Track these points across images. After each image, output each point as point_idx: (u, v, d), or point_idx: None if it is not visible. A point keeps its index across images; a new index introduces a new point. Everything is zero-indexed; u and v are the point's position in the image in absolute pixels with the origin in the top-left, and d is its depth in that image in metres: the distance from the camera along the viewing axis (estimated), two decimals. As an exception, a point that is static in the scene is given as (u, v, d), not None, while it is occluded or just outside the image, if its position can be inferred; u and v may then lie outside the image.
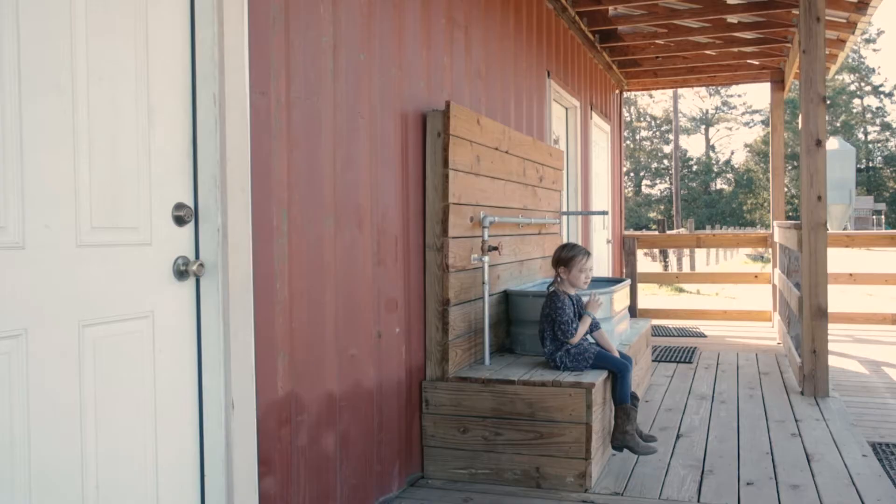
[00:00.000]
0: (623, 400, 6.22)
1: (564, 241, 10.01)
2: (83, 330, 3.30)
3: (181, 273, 3.81)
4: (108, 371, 3.42)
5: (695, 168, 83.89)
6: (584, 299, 6.65)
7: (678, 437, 7.02)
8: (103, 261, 3.42)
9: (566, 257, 6.55)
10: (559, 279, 6.57)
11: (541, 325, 6.50)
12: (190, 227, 3.90)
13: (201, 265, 3.87)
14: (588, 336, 6.48)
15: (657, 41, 13.33)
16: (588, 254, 6.61)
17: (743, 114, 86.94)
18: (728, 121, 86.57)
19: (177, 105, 3.86)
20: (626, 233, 16.07)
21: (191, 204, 3.90)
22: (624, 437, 6.14)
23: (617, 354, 6.43)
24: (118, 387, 3.47)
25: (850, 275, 14.39)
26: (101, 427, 3.39)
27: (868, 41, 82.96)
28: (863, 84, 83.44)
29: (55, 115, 3.18)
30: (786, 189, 15.86)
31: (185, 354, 3.87)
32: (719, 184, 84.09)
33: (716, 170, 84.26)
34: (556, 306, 6.39)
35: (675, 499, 5.58)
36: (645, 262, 35.06)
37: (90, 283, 3.35)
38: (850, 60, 79.59)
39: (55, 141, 3.17)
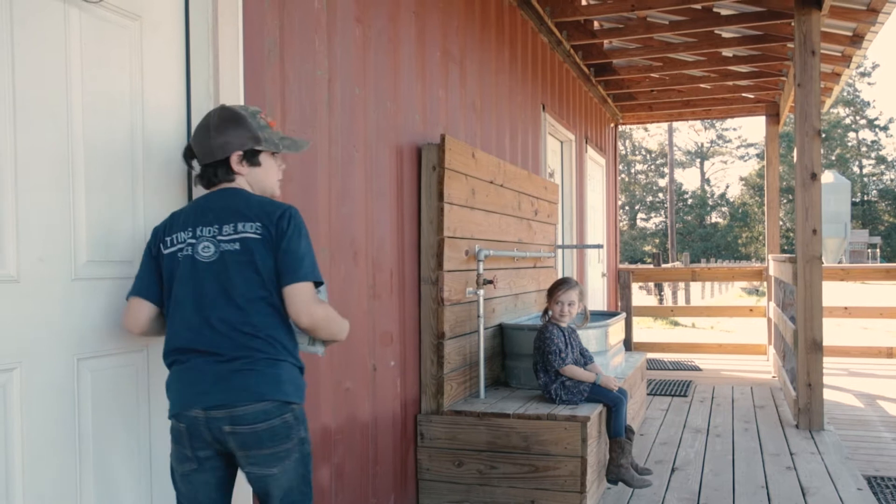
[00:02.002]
0: (618, 433, 6.21)
1: (560, 274, 10.02)
2: (79, 363, 3.30)
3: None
4: (105, 404, 3.42)
5: (690, 201, 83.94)
6: (585, 332, 6.71)
7: (673, 470, 7.01)
8: (98, 294, 3.42)
9: (550, 290, 6.64)
10: (548, 312, 6.61)
11: (534, 358, 6.50)
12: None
13: None
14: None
15: (652, 74, 13.36)
16: (570, 285, 6.63)
17: (738, 147, 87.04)
18: (723, 154, 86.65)
19: (172, 138, 3.87)
20: (622, 266, 16.09)
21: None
22: (619, 471, 6.13)
23: (615, 388, 6.42)
24: (115, 419, 3.47)
25: (846, 308, 14.38)
26: (97, 461, 3.39)
27: (863, 74, 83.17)
28: (858, 117, 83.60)
29: (50, 148, 3.19)
30: (781, 222, 15.92)
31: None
32: (714, 217, 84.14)
33: (711, 203, 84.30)
34: (543, 337, 6.42)
35: (671, 533, 5.57)
36: (640, 296, 35.03)
37: (85, 317, 3.35)
38: (845, 94, 79.80)
39: (49, 173, 3.18)
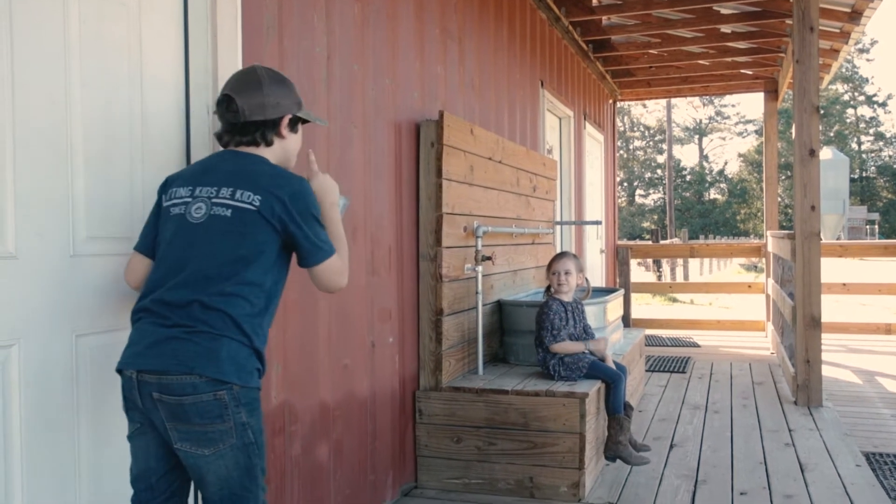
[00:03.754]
0: (616, 410, 6.21)
1: (558, 250, 10.02)
2: (77, 340, 3.30)
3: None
4: (102, 380, 3.43)
5: (688, 178, 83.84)
6: (589, 309, 6.71)
7: (672, 446, 7.02)
8: (97, 270, 3.43)
9: (549, 265, 6.68)
10: (551, 288, 6.63)
11: (536, 333, 6.50)
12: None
13: None
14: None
15: (651, 51, 13.33)
16: (563, 255, 6.69)
17: (736, 123, 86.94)
18: (721, 130, 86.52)
19: (170, 115, 3.87)
20: (620, 243, 16.09)
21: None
22: (617, 448, 6.13)
23: (612, 364, 6.42)
24: (112, 396, 3.47)
25: (844, 284, 14.40)
26: (95, 437, 3.39)
27: (861, 51, 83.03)
28: (856, 94, 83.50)
29: (49, 124, 3.18)
30: (779, 199, 16.00)
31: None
32: (713, 193, 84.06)
33: (709, 179, 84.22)
34: (541, 312, 6.46)
35: (669, 508, 5.59)
36: (638, 272, 35.04)
37: (84, 293, 3.35)
38: (843, 70, 79.65)
39: (48, 150, 3.18)
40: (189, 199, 3.25)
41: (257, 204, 3.21)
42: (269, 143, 3.45)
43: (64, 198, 3.27)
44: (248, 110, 3.38)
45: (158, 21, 3.79)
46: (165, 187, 3.36)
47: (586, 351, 6.29)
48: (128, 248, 3.51)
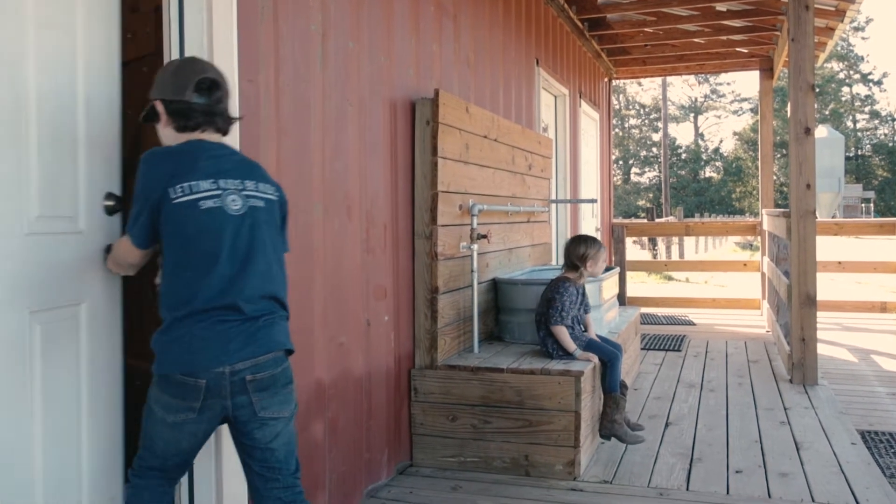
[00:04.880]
0: (612, 388, 6.22)
1: (553, 229, 10.01)
2: (31, 316, 3.32)
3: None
4: (53, 356, 3.45)
5: (684, 156, 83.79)
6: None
7: (667, 425, 7.03)
8: (49, 248, 3.49)
9: (593, 253, 6.52)
10: (580, 272, 6.51)
11: (540, 308, 6.49)
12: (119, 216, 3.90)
13: None
14: (580, 324, 6.49)
15: (646, 29, 13.31)
16: (601, 245, 6.64)
17: (732, 102, 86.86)
18: (717, 109, 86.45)
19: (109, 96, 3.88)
20: (615, 221, 16.08)
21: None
22: (612, 426, 6.15)
23: (595, 336, 6.48)
24: (60, 371, 3.50)
25: (839, 263, 14.41)
26: (47, 412, 3.41)
27: (857, 29, 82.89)
28: (852, 72, 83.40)
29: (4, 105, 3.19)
30: (775, 177, 16.06)
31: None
32: (708, 172, 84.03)
33: (705, 158, 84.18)
34: (559, 290, 6.37)
35: (664, 486, 5.59)
36: (634, 251, 35.04)
37: (38, 271, 3.42)
38: (839, 48, 79.57)
39: (4, 130, 3.19)
40: (219, 192, 3.32)
41: (276, 195, 3.53)
42: (226, 133, 3.63)
43: (19, 177, 3.31)
44: (229, 99, 3.56)
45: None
46: (163, 181, 3.30)
47: (575, 355, 6.27)
48: (73, 227, 3.61)
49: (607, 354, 6.29)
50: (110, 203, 3.82)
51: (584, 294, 6.58)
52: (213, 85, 3.47)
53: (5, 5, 3.16)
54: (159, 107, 3.53)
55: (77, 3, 3.56)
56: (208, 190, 3.30)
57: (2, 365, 3.21)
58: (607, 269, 8.36)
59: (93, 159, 3.76)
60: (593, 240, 6.65)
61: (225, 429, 3.68)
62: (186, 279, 3.29)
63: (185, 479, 3.99)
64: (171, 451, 3.40)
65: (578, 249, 6.53)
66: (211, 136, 3.50)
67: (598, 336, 6.65)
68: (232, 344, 3.27)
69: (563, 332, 6.26)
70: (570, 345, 6.26)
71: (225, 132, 3.57)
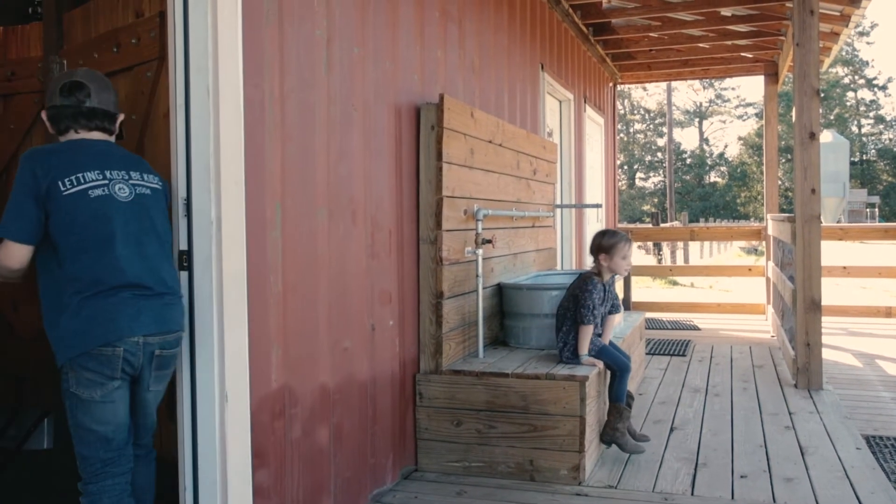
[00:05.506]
0: (618, 399, 6.21)
1: (558, 234, 10.01)
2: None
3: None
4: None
5: (689, 161, 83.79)
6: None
7: (672, 429, 7.03)
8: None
9: (608, 245, 6.34)
10: (601, 266, 6.38)
11: (565, 303, 6.42)
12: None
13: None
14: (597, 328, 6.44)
15: (651, 34, 13.31)
16: (629, 240, 6.45)
17: (737, 107, 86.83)
18: (722, 114, 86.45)
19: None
20: (620, 226, 16.13)
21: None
22: (614, 434, 6.14)
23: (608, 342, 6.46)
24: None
25: (844, 268, 14.40)
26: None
27: (862, 34, 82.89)
28: (857, 77, 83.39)
29: None
30: (779, 182, 15.97)
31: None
32: (713, 177, 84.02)
33: (710, 163, 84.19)
34: (586, 288, 6.27)
35: (669, 491, 5.59)
36: (639, 255, 35.03)
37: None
38: (843, 53, 79.56)
39: None
40: (105, 182, 3.65)
41: (161, 185, 3.94)
42: (113, 133, 3.90)
43: None
44: (105, 102, 3.82)
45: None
46: (48, 175, 3.55)
47: (582, 356, 6.23)
48: None
49: (618, 365, 6.28)
50: None
51: (608, 291, 6.47)
52: (74, 86, 3.74)
53: None
54: (43, 115, 3.81)
55: None
56: (95, 180, 3.60)
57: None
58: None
59: None
60: (613, 232, 6.49)
61: (231, 435, 3.69)
62: (86, 262, 3.55)
63: (189, 483, 3.99)
64: (111, 428, 3.64)
65: (595, 241, 6.43)
66: (93, 135, 3.77)
67: (610, 343, 6.58)
68: (143, 316, 3.61)
69: (587, 333, 6.23)
70: (584, 347, 6.22)
71: (110, 131, 3.86)
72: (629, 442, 6.15)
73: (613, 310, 6.55)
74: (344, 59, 5.11)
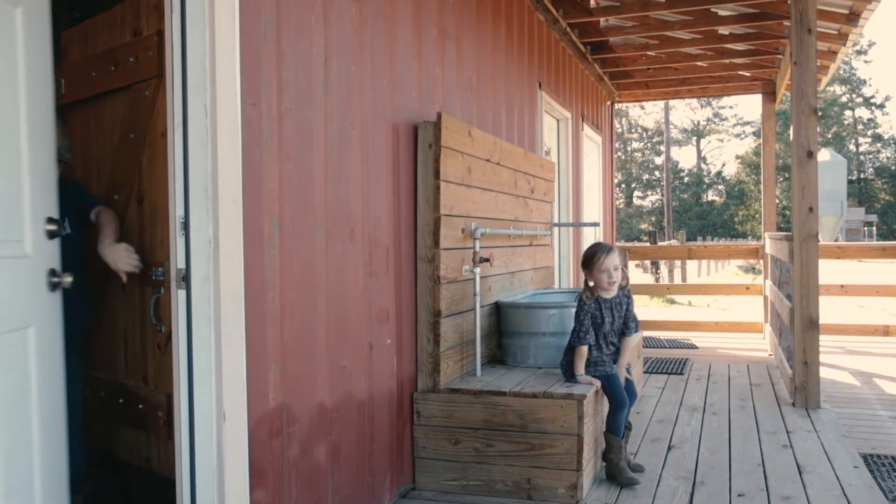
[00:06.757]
0: (611, 431, 6.16)
1: (555, 252, 10.01)
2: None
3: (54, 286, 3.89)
4: None
5: (686, 179, 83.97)
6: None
7: (670, 448, 7.02)
8: None
9: (586, 258, 6.25)
10: (587, 283, 6.32)
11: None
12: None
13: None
14: (611, 345, 6.34)
15: (648, 53, 13.34)
16: (610, 250, 6.22)
17: (734, 125, 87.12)
18: (719, 132, 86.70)
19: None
20: (618, 244, 16.09)
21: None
22: (608, 465, 6.13)
23: (623, 375, 6.36)
24: None
25: (842, 286, 14.40)
26: None
27: (859, 53, 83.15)
28: (854, 95, 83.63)
29: None
30: (777, 200, 15.99)
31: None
32: (711, 195, 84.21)
33: (707, 181, 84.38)
34: (577, 308, 6.24)
35: (667, 510, 5.59)
36: (636, 274, 35.05)
37: None
38: (841, 72, 79.77)
39: None
40: None
41: None
42: None
43: None
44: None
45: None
46: None
47: (579, 375, 6.19)
48: (18, 251, 3.68)
49: (616, 398, 6.20)
50: (51, 227, 3.88)
51: (612, 309, 6.26)
52: None
53: None
54: None
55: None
56: None
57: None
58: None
59: (35, 184, 3.82)
60: (594, 245, 6.36)
61: (229, 453, 3.67)
62: None
63: (187, 502, 3.99)
64: None
65: (582, 259, 6.35)
66: None
67: (627, 371, 6.44)
68: None
69: (579, 353, 6.17)
70: (578, 368, 6.18)
71: None
72: (623, 473, 6.10)
73: (626, 331, 6.39)
74: (341, 78, 5.11)
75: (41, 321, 3.78)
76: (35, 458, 3.67)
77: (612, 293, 6.26)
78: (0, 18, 3.39)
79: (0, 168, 3.53)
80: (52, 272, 3.86)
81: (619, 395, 6.23)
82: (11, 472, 3.46)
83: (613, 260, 6.17)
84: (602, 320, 6.23)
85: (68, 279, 3.93)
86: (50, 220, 3.88)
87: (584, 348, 6.19)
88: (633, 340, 6.37)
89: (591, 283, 6.28)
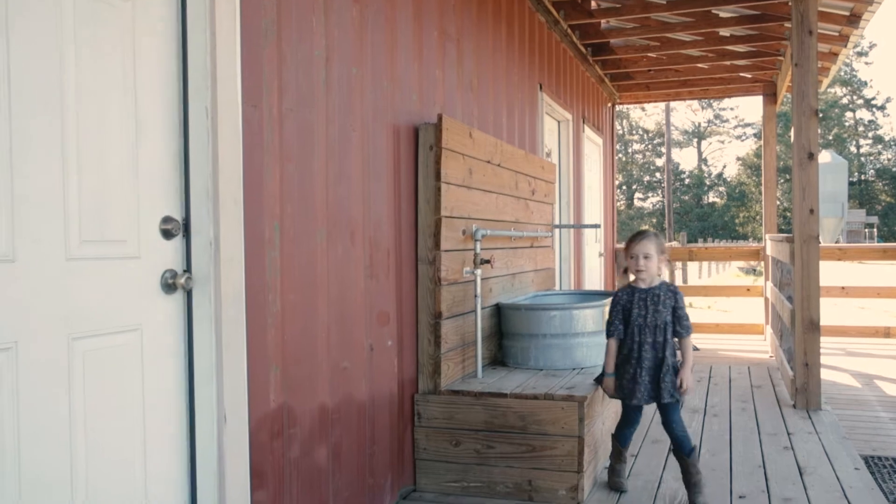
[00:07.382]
0: (618, 439, 6.06)
1: (556, 254, 10.00)
2: (73, 343, 3.29)
3: (168, 286, 3.81)
4: (96, 383, 3.42)
5: (687, 181, 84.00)
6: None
7: (670, 450, 7.02)
8: (91, 274, 3.41)
9: (626, 249, 5.92)
10: (625, 270, 6.00)
11: None
12: (178, 239, 3.89)
13: (189, 277, 3.86)
14: (654, 337, 5.78)
15: (649, 54, 13.34)
16: (643, 236, 5.87)
17: (735, 127, 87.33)
18: (720, 134, 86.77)
19: (167, 117, 3.86)
20: (619, 246, 16.06)
21: (179, 217, 3.90)
22: (611, 475, 6.11)
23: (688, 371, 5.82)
24: (107, 398, 3.47)
25: (843, 288, 14.40)
26: (90, 438, 3.38)
27: (860, 54, 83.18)
28: (855, 97, 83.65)
29: (44, 130, 3.17)
30: (778, 202, 15.95)
31: (171, 367, 3.87)
32: (711, 197, 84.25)
33: (708, 183, 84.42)
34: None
35: (668, 512, 5.58)
36: (637, 275, 35.00)
37: (80, 296, 3.34)
38: (842, 73, 79.79)
39: (44, 156, 3.17)
40: None
41: None
42: None
43: (60, 202, 3.25)
44: None
45: (153, 23, 3.78)
46: None
47: (607, 374, 5.92)
48: (123, 251, 3.53)
49: (625, 416, 6.07)
50: (168, 227, 3.82)
51: (646, 301, 5.79)
52: None
53: (46, 28, 3.16)
54: None
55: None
56: None
57: (40, 392, 3.19)
58: (609, 295, 8.23)
59: (150, 182, 3.77)
60: (638, 234, 5.96)
61: (230, 455, 3.67)
62: None
63: (187, 485, 3.99)
64: None
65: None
66: None
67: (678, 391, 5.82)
68: None
69: (609, 347, 5.90)
70: (608, 364, 5.89)
71: None
72: (611, 478, 6.07)
73: (681, 332, 5.84)
74: (342, 79, 5.11)
75: (154, 323, 3.76)
76: (148, 464, 3.66)
77: (644, 283, 5.83)
78: (111, 12, 3.38)
79: (113, 166, 3.52)
80: (169, 273, 3.83)
81: (627, 414, 6.09)
82: (108, 477, 3.45)
83: (644, 247, 5.76)
84: (632, 312, 5.81)
85: (182, 280, 3.88)
86: (166, 220, 3.85)
87: (613, 342, 5.86)
88: (688, 342, 5.87)
89: (626, 271, 5.97)
